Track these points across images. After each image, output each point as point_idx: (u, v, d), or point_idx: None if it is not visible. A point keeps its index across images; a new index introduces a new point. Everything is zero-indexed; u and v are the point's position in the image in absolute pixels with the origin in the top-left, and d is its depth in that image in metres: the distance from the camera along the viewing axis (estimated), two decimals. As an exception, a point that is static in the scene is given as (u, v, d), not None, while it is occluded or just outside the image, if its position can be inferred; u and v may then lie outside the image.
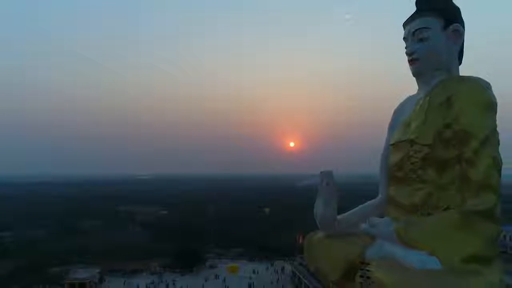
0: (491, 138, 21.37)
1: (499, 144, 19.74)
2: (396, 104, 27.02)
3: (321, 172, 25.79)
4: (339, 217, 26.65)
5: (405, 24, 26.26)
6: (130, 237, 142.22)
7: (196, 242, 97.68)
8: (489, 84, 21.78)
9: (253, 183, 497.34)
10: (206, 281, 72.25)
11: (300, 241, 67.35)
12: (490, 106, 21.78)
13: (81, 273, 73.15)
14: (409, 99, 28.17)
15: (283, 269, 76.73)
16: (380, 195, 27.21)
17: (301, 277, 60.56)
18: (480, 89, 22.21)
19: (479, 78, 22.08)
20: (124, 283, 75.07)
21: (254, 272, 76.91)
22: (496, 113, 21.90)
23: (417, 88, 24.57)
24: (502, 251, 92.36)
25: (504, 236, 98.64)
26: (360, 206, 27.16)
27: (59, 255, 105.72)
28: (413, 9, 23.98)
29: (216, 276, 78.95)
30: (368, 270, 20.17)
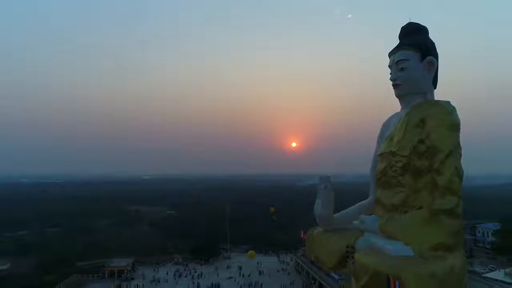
0: (454, 152, 27.73)
1: (461, 156, 24.92)
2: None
3: (320, 177, 31.15)
4: (335, 215, 32.16)
5: (390, 54, 32.15)
6: (143, 235, 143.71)
7: (209, 239, 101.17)
8: (455, 108, 28.09)
9: (255, 183, 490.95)
10: (216, 270, 78.48)
11: (302, 236, 72.44)
12: (454, 126, 28.77)
13: (117, 262, 79.82)
14: (394, 116, 34.61)
15: (291, 259, 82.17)
16: (370, 196, 32.83)
17: (303, 265, 66.24)
18: (447, 112, 28.84)
19: (448, 102, 27.86)
20: (154, 270, 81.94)
21: (263, 262, 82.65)
22: (459, 131, 28.11)
23: (400, 107, 29.94)
24: (480, 246, 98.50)
25: (483, 233, 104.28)
26: (353, 206, 32.71)
27: (80, 251, 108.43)
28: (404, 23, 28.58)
29: (228, 267, 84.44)
30: (353, 253, 25.65)
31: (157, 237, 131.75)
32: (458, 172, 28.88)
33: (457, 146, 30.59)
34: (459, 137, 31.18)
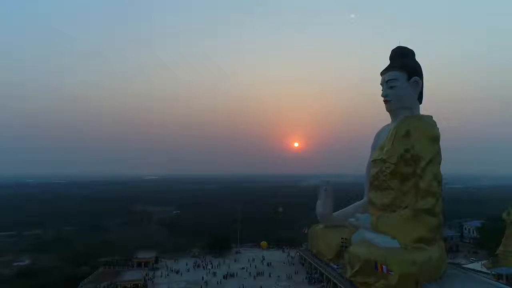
0: (434, 160, 36.33)
1: (440, 163, 32.70)
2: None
3: (320, 181, 41.85)
4: (334, 213, 42.97)
5: (381, 74, 42.37)
6: (154, 233, 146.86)
7: (218, 236, 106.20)
8: (435, 122, 37.32)
9: (258, 183, 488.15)
10: (229, 262, 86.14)
11: (305, 232, 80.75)
12: (435, 138, 37.99)
13: (142, 255, 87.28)
14: (385, 127, 44.87)
15: (296, 253, 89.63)
16: (364, 198, 42.57)
17: (306, 258, 72.64)
18: (428, 126, 37.85)
19: (430, 117, 36.88)
20: (174, 262, 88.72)
21: (270, 256, 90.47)
22: (439, 142, 36.92)
23: (391, 120, 40.05)
24: (466, 242, 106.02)
25: (469, 230, 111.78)
26: (350, 205, 43.21)
27: (98, 248, 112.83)
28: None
29: (240, 259, 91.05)
30: (347, 245, 41.46)
31: (168, 235, 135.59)
32: (437, 177, 34.76)
33: (437, 155, 36.27)
34: (439, 147, 36.66)
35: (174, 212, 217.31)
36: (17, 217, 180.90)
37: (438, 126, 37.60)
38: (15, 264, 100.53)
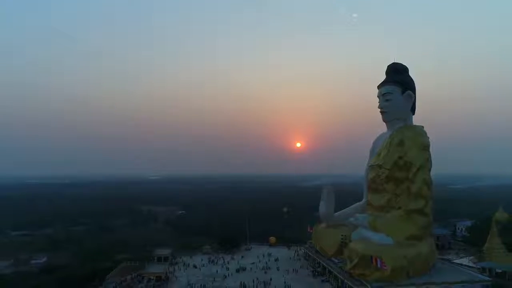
0: (424, 166, 45.16)
1: (430, 169, 40.81)
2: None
3: (323, 183, 52.20)
4: (336, 213, 51.64)
5: (378, 87, 51.09)
6: (162, 233, 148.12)
7: (227, 234, 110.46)
8: (426, 132, 47.28)
9: (261, 184, 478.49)
10: (232, 259, 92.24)
11: (309, 230, 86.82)
12: (425, 146, 46.88)
13: (161, 251, 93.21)
14: (382, 135, 53.96)
15: (301, 249, 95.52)
16: (363, 199, 50.88)
17: (310, 254, 77.72)
18: (419, 136, 46.68)
19: (421, 127, 46.53)
20: (190, 257, 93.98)
21: (277, 252, 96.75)
22: (428, 150, 46.24)
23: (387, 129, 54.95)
24: (458, 240, 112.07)
25: (461, 229, 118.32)
26: (350, 206, 51.78)
27: (110, 247, 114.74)
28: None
29: (249, 255, 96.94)
30: (346, 241, 50.27)
31: (176, 234, 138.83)
32: (427, 182, 39.43)
33: (427, 161, 40.89)
34: (429, 154, 41.35)
35: (180, 212, 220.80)
36: (25, 217, 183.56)
37: (428, 135, 44.04)
38: (34, 261, 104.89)
